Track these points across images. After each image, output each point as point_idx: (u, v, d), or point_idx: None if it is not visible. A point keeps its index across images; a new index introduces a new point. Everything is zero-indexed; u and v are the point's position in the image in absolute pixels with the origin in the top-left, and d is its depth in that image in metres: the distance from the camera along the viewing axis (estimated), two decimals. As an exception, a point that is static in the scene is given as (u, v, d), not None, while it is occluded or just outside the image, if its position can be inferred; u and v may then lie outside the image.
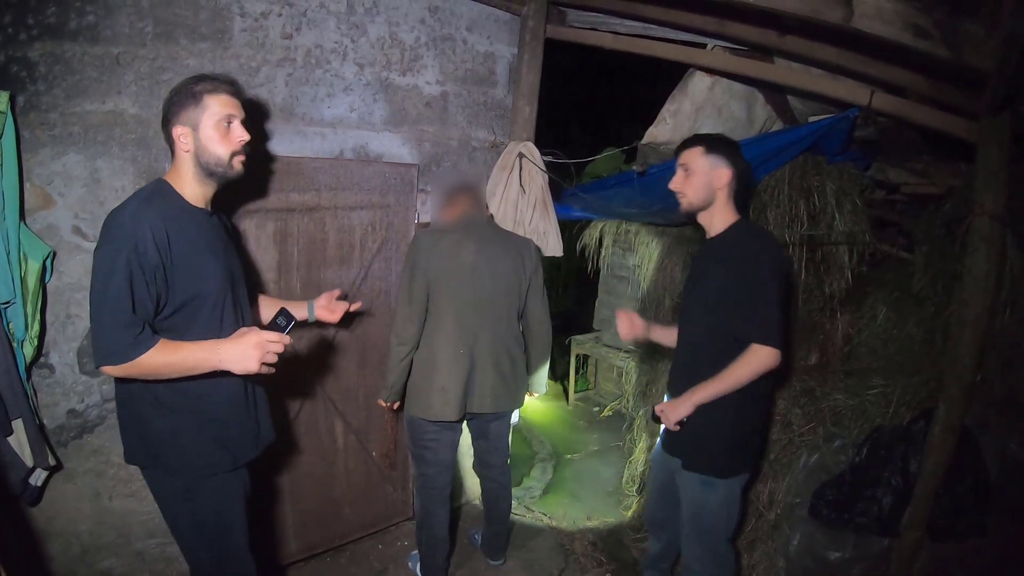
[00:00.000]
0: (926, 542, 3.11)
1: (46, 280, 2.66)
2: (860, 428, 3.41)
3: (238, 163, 2.29)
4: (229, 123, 2.24)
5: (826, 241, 3.83)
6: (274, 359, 2.16)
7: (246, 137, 2.29)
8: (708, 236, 2.79)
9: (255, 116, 2.96)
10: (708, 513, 2.77)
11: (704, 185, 2.68)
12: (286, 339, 2.18)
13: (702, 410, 2.60)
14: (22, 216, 2.53)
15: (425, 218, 3.74)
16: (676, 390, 2.78)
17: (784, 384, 3.86)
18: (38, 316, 2.63)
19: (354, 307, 2.95)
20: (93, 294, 1.98)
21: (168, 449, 2.25)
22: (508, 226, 3.64)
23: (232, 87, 2.27)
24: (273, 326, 2.20)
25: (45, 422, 2.75)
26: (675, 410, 2.63)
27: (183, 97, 2.17)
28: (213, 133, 2.20)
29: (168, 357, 2.04)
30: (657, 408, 2.76)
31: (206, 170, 2.22)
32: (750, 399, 2.63)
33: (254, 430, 2.47)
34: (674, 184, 2.77)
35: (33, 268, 2.56)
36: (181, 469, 2.29)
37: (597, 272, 6.67)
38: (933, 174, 3.80)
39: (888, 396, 3.46)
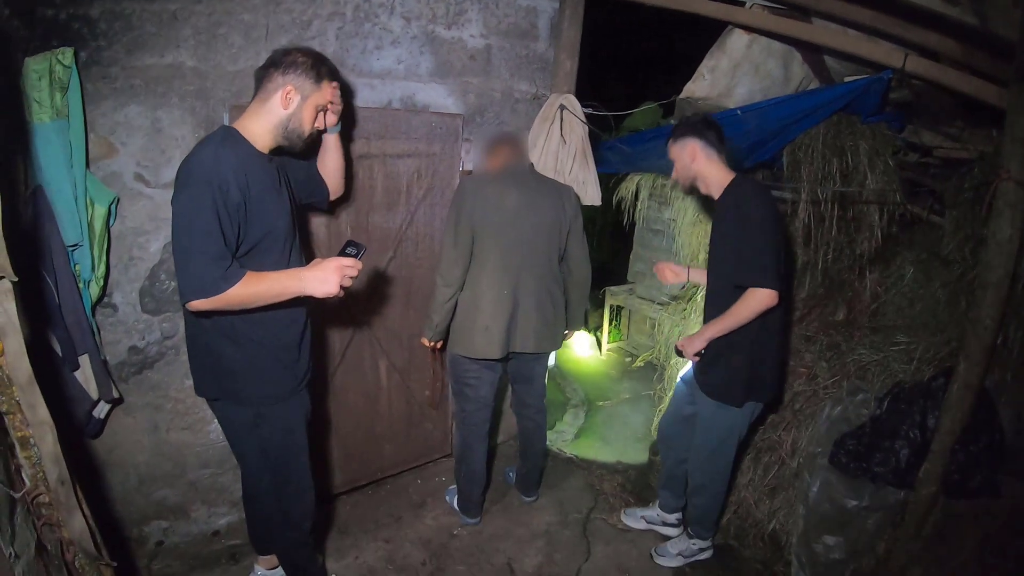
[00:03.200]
0: (940, 497, 3.19)
1: (111, 224, 2.79)
2: (882, 383, 3.50)
3: (305, 143, 2.48)
4: (321, 111, 2.44)
5: (857, 199, 3.88)
6: (350, 283, 2.31)
7: (323, 127, 2.52)
8: (715, 200, 3.12)
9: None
10: (717, 431, 3.25)
11: (682, 167, 3.15)
12: (359, 264, 2.33)
13: (719, 348, 3.06)
14: (87, 164, 2.66)
15: (470, 166, 3.83)
16: None
17: (812, 339, 3.98)
18: (104, 258, 2.78)
19: None
20: (178, 233, 2.08)
21: (240, 380, 2.41)
22: (549, 175, 3.70)
23: (337, 80, 2.53)
24: (343, 255, 2.35)
25: (108, 358, 2.91)
26: (691, 344, 3.13)
27: (309, 69, 2.34)
28: (312, 112, 2.39)
29: (256, 287, 2.16)
30: (678, 343, 3.24)
31: (286, 133, 2.37)
32: (757, 338, 3.00)
33: (309, 351, 2.64)
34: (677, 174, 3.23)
35: (99, 213, 2.70)
36: (251, 398, 2.45)
37: (633, 225, 6.67)
38: (967, 139, 3.79)
39: (911, 353, 3.54)
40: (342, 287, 2.29)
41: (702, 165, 3.07)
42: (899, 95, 3.65)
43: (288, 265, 2.42)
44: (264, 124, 2.33)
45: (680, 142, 3.12)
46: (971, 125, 3.74)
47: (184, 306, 2.13)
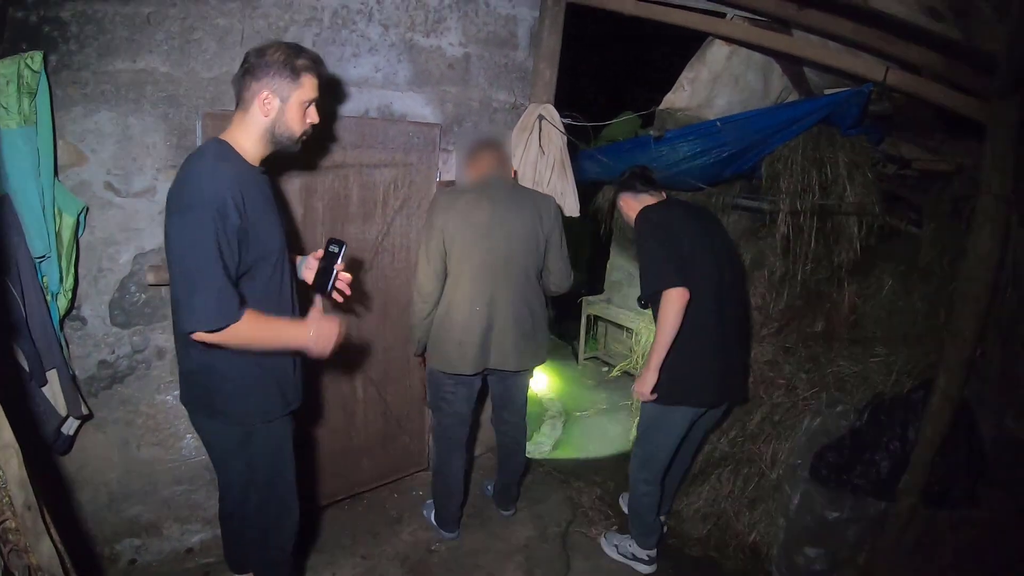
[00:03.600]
0: (920, 508, 3.22)
1: (79, 235, 2.71)
2: (862, 394, 3.53)
3: (301, 141, 2.35)
4: (310, 105, 2.29)
5: (836, 211, 3.89)
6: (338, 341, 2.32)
7: (317, 120, 2.36)
8: None
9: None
10: (644, 419, 3.38)
11: (627, 219, 3.45)
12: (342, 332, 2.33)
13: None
14: (55, 172, 2.57)
15: (447, 176, 3.79)
16: None
17: (790, 350, 3.99)
18: (72, 270, 2.69)
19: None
20: (180, 261, 2.00)
21: (233, 399, 2.33)
22: (527, 186, 3.67)
23: (322, 69, 2.32)
24: (328, 255, 2.36)
25: (77, 373, 2.82)
26: (643, 382, 3.14)
27: (281, 67, 2.17)
28: (297, 112, 2.24)
29: (260, 330, 2.14)
30: (633, 390, 3.30)
31: (275, 140, 2.26)
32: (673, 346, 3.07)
33: (301, 374, 2.58)
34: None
35: (68, 223, 2.61)
36: (242, 418, 2.38)
37: (609, 235, 6.66)
38: (945, 152, 3.84)
39: (890, 365, 3.57)
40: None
41: (631, 209, 3.37)
42: (879, 108, 3.67)
43: (281, 288, 2.36)
44: (251, 135, 2.23)
45: (621, 201, 3.47)
46: (950, 138, 3.78)
47: (186, 334, 2.06)
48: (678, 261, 3.00)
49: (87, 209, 2.71)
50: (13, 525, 1.83)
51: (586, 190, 4.56)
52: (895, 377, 3.50)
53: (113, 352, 2.94)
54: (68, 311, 2.76)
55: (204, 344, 2.11)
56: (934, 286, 3.65)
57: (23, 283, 2.48)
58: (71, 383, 2.71)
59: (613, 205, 4.32)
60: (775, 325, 4.29)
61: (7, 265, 2.43)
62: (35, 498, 1.86)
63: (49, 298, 2.62)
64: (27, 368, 2.54)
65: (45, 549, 1.90)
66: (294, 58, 2.19)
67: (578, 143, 3.98)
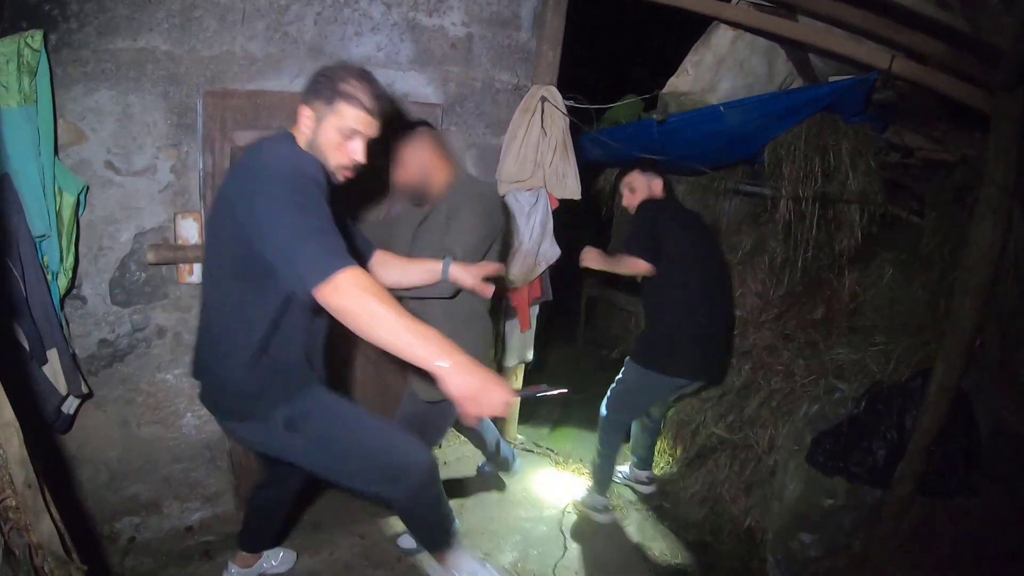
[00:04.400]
0: (916, 497, 3.23)
1: (79, 214, 2.71)
2: (860, 382, 3.53)
3: (341, 175, 2.12)
4: (351, 137, 2.06)
5: (838, 199, 3.88)
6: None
7: (360, 160, 2.12)
8: None
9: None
10: (620, 382, 3.73)
11: (627, 188, 3.79)
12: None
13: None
14: (56, 151, 2.57)
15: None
16: None
17: (790, 337, 4.00)
18: (72, 249, 2.69)
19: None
20: (294, 218, 1.77)
21: (246, 398, 2.16)
22: (529, 168, 3.66)
23: (374, 105, 2.06)
24: (527, 392, 2.05)
25: (77, 351, 2.83)
26: (586, 257, 3.53)
27: (324, 87, 2.03)
28: (332, 137, 2.04)
29: (383, 298, 1.68)
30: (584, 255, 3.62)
31: None
32: (659, 311, 3.53)
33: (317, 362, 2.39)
34: (624, 202, 3.83)
35: (68, 202, 2.61)
36: (264, 413, 2.18)
37: (610, 218, 6.60)
38: (949, 142, 3.82)
39: (889, 353, 3.57)
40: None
41: (637, 182, 3.72)
42: (883, 96, 3.64)
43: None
44: (302, 145, 2.08)
45: (634, 176, 3.74)
46: (954, 128, 3.76)
47: (311, 294, 1.70)
48: (653, 246, 3.33)
49: (87, 188, 2.72)
50: (13, 503, 1.84)
51: (587, 172, 4.53)
52: (893, 365, 3.50)
53: (113, 331, 2.95)
54: (68, 290, 2.76)
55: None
56: (935, 276, 3.65)
57: (23, 262, 2.48)
58: (71, 362, 2.72)
59: (615, 187, 4.33)
60: (775, 311, 4.30)
61: (7, 244, 2.43)
62: (35, 476, 1.87)
63: (49, 277, 2.62)
64: (27, 347, 2.55)
65: (45, 527, 1.91)
66: (339, 82, 2.02)
67: (581, 125, 3.95)
